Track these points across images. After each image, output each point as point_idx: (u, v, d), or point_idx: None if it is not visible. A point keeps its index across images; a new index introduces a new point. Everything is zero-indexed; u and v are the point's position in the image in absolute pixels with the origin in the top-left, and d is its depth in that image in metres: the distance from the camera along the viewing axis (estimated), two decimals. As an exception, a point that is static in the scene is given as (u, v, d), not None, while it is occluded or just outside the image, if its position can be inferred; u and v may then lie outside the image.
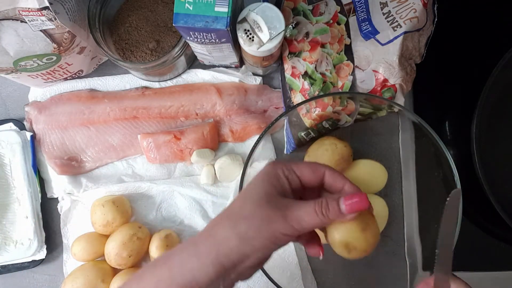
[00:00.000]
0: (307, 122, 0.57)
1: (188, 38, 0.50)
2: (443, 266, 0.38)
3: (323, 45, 0.56)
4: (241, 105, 0.62)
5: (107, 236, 0.58)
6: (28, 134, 0.62)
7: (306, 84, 0.56)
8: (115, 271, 0.59)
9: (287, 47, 0.57)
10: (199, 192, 0.61)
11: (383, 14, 0.56)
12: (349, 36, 0.56)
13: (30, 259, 0.61)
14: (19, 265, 0.61)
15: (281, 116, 0.54)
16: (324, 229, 0.41)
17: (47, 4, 0.44)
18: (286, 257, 0.60)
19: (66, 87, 0.63)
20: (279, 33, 0.49)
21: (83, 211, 0.62)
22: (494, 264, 0.68)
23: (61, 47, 0.52)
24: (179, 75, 0.63)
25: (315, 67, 0.56)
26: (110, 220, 0.58)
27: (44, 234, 0.61)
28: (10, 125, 0.62)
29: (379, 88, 0.56)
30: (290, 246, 0.60)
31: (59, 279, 0.62)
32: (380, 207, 0.59)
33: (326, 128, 0.59)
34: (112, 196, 0.60)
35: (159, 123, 0.62)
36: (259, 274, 0.52)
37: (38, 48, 0.51)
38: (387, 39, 0.56)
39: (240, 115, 0.62)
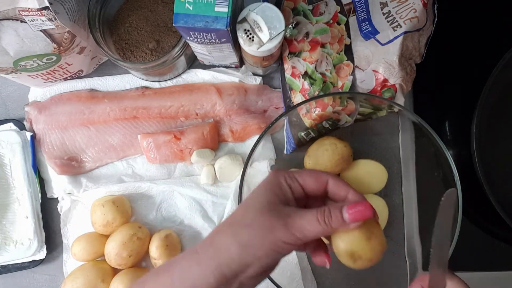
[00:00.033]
0: (307, 122, 0.57)
1: (188, 38, 0.50)
2: (439, 263, 0.37)
3: (323, 45, 0.56)
4: (241, 105, 0.62)
5: (107, 236, 0.58)
6: (28, 134, 0.62)
7: (306, 84, 0.56)
8: (115, 271, 0.59)
9: (287, 47, 0.57)
10: (199, 192, 0.61)
11: (383, 14, 0.56)
12: (349, 36, 0.56)
13: (30, 259, 0.61)
14: (19, 265, 0.61)
15: (281, 116, 0.54)
16: (329, 238, 0.40)
17: (47, 4, 0.44)
18: (286, 257, 0.60)
19: (66, 87, 0.63)
20: (279, 33, 0.49)
21: (83, 211, 0.62)
22: (494, 264, 0.68)
23: (61, 47, 0.52)
24: (179, 75, 0.63)
25: (315, 67, 0.56)
26: (110, 220, 0.58)
27: (44, 234, 0.61)
28: (10, 125, 0.62)
29: (379, 88, 0.56)
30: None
31: (59, 279, 0.62)
32: (380, 207, 0.59)
33: (326, 128, 0.59)
34: (112, 196, 0.60)
35: (159, 123, 0.62)
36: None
37: (38, 48, 0.51)
38: (387, 39, 0.56)
39: (240, 115, 0.62)
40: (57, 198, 0.62)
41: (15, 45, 0.49)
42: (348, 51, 0.56)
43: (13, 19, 0.47)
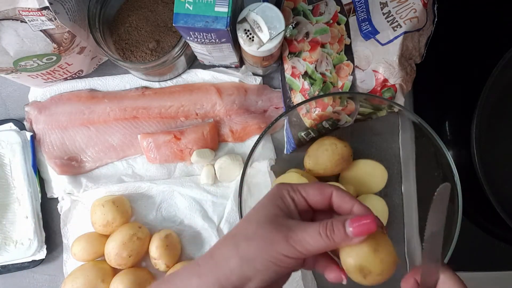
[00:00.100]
0: (307, 122, 0.57)
1: (188, 38, 0.50)
2: (431, 255, 0.36)
3: (323, 45, 0.56)
4: (241, 105, 0.62)
5: (107, 236, 0.58)
6: (28, 134, 0.62)
7: (306, 84, 0.56)
8: (115, 271, 0.59)
9: (287, 47, 0.57)
10: (199, 192, 0.61)
11: (383, 14, 0.56)
12: (349, 36, 0.56)
13: (30, 259, 0.61)
14: (19, 265, 0.61)
15: (281, 116, 0.54)
16: (336, 254, 0.39)
17: (47, 4, 0.44)
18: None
19: (66, 87, 0.63)
20: (279, 33, 0.49)
21: (83, 211, 0.62)
22: (494, 264, 0.68)
23: (61, 47, 0.52)
24: (179, 75, 0.63)
25: (315, 67, 0.56)
26: (110, 220, 0.58)
27: (44, 234, 0.61)
28: (10, 125, 0.62)
29: (379, 88, 0.56)
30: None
31: (59, 279, 0.62)
32: (380, 207, 0.59)
33: (326, 128, 0.59)
34: (112, 196, 0.60)
35: (159, 123, 0.62)
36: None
37: (38, 48, 0.51)
38: (387, 39, 0.56)
39: (240, 115, 0.62)
40: (57, 198, 0.62)
41: (15, 45, 0.49)
42: (348, 51, 0.56)
43: (13, 19, 0.47)
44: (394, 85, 0.56)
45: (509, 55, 0.57)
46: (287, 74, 0.58)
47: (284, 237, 0.34)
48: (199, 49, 0.55)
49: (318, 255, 0.38)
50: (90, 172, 0.63)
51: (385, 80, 0.56)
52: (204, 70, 0.63)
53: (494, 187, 0.57)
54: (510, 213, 0.58)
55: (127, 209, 0.60)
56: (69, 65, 0.58)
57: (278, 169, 0.60)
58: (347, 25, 0.56)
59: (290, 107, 0.57)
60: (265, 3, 0.49)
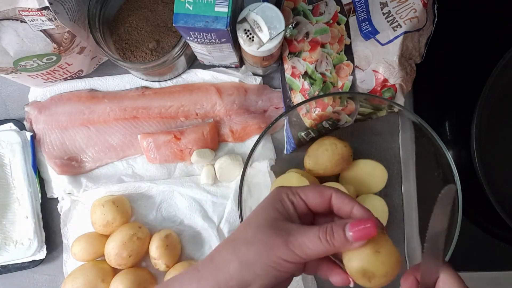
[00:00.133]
0: (307, 122, 0.57)
1: (188, 38, 0.50)
2: (431, 253, 0.35)
3: (323, 45, 0.56)
4: (241, 105, 0.62)
5: (107, 236, 0.58)
6: (28, 134, 0.62)
7: (306, 84, 0.56)
8: (115, 271, 0.59)
9: (287, 47, 0.57)
10: (199, 192, 0.61)
11: (383, 14, 0.56)
12: (349, 36, 0.56)
13: (30, 259, 0.61)
14: (19, 265, 0.61)
15: (281, 116, 0.54)
16: (339, 258, 0.39)
17: (47, 4, 0.44)
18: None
19: (66, 87, 0.63)
20: (279, 33, 0.49)
21: (83, 211, 0.62)
22: (494, 264, 0.68)
23: (61, 47, 0.52)
24: (179, 75, 0.63)
25: (315, 67, 0.56)
26: (110, 220, 0.58)
27: (44, 234, 0.61)
28: (10, 125, 0.62)
29: (379, 88, 0.56)
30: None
31: (59, 279, 0.62)
32: (380, 207, 0.59)
33: (326, 128, 0.59)
34: (112, 196, 0.60)
35: (159, 123, 0.62)
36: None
37: (38, 48, 0.51)
38: (387, 39, 0.56)
39: (240, 115, 0.62)
40: (57, 198, 0.62)
41: (15, 45, 0.49)
42: (348, 51, 0.56)
43: (13, 19, 0.47)
44: (394, 85, 0.56)
45: (509, 55, 0.57)
46: (287, 74, 0.58)
47: (283, 241, 0.34)
48: (199, 49, 0.55)
49: (320, 259, 0.38)
50: (90, 172, 0.63)
51: (385, 80, 0.56)
52: (204, 70, 0.63)
53: (494, 187, 0.57)
54: (510, 213, 0.58)
55: (127, 209, 0.60)
56: (69, 65, 0.58)
57: (278, 169, 0.60)
58: (347, 25, 0.56)
59: (290, 107, 0.57)
60: (265, 3, 0.49)
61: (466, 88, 0.68)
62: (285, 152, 0.62)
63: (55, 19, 0.47)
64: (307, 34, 0.56)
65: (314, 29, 0.56)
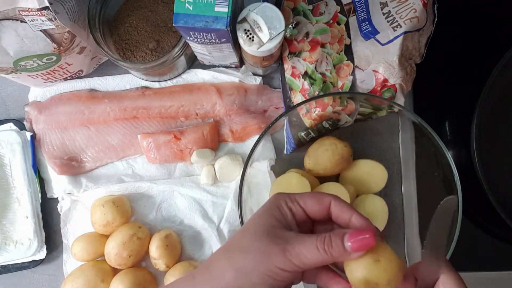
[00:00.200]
0: (307, 122, 0.57)
1: (188, 38, 0.50)
2: (431, 252, 0.34)
3: (323, 45, 0.56)
4: (241, 105, 0.62)
5: (107, 236, 0.58)
6: (28, 134, 0.62)
7: (306, 84, 0.56)
8: (115, 271, 0.59)
9: (287, 47, 0.57)
10: (199, 192, 0.61)
11: (383, 14, 0.56)
12: (349, 36, 0.56)
13: (30, 259, 0.61)
14: (19, 265, 0.61)
15: (281, 116, 0.54)
16: (339, 267, 0.38)
17: (47, 4, 0.44)
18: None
19: (66, 87, 0.63)
20: (279, 33, 0.49)
21: (83, 211, 0.62)
22: (494, 264, 0.68)
23: (61, 47, 0.52)
24: (179, 75, 0.63)
25: (315, 67, 0.56)
26: (110, 220, 0.58)
27: (44, 234, 0.61)
28: (10, 125, 0.62)
29: (379, 88, 0.56)
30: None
31: (59, 279, 0.62)
32: (380, 207, 0.58)
33: (326, 128, 0.59)
34: (112, 196, 0.60)
35: (159, 123, 0.62)
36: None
37: (38, 48, 0.51)
38: (387, 39, 0.56)
39: (240, 115, 0.62)
40: (57, 198, 0.62)
41: (15, 45, 0.49)
42: (348, 51, 0.56)
43: (13, 19, 0.47)
44: (394, 85, 0.56)
45: (509, 55, 0.57)
46: (287, 74, 0.58)
47: (280, 250, 0.33)
48: (199, 49, 0.55)
49: (319, 268, 0.38)
50: (90, 172, 0.63)
51: (385, 80, 0.56)
52: (204, 70, 0.63)
53: (494, 187, 0.57)
54: (510, 213, 0.58)
55: (127, 209, 0.60)
56: (69, 65, 0.58)
57: (278, 169, 0.60)
58: (347, 25, 0.56)
59: (290, 107, 0.57)
60: (265, 3, 0.49)
61: (466, 88, 0.68)
62: (285, 152, 0.62)
63: (55, 19, 0.47)
64: (307, 34, 0.56)
65: (314, 29, 0.56)
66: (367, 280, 0.34)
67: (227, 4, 0.46)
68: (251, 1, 0.51)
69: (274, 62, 0.59)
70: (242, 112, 0.62)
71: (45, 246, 0.61)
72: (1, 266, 0.60)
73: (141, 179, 0.63)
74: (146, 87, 0.63)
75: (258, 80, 0.63)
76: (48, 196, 0.63)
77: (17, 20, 0.47)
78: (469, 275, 0.66)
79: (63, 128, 0.62)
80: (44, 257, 0.61)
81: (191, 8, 0.46)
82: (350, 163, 0.59)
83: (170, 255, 0.58)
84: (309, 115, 0.56)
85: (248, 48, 0.50)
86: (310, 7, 0.57)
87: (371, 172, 0.59)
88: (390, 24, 0.55)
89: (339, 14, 0.56)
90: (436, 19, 0.58)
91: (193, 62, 0.64)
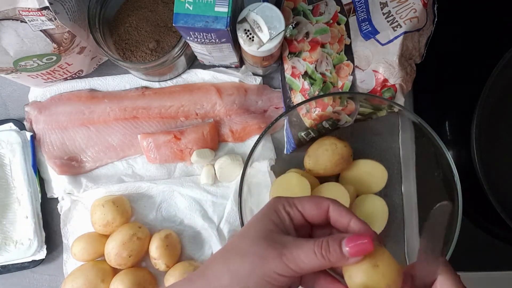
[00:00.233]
0: (307, 122, 0.57)
1: (188, 38, 0.50)
2: (427, 252, 0.34)
3: (323, 45, 0.56)
4: (241, 105, 0.62)
5: (107, 236, 0.58)
6: (28, 134, 0.62)
7: (306, 84, 0.56)
8: (115, 271, 0.59)
9: (287, 47, 0.57)
10: (199, 192, 0.61)
11: (383, 14, 0.56)
12: (349, 36, 0.56)
13: (30, 259, 0.61)
14: (19, 265, 0.61)
15: (281, 116, 0.54)
16: (337, 272, 0.38)
17: (47, 4, 0.44)
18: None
19: (66, 87, 0.63)
20: (279, 33, 0.49)
21: (83, 211, 0.62)
22: (494, 264, 0.68)
23: (61, 47, 0.52)
24: (179, 75, 0.63)
25: (315, 67, 0.56)
26: (110, 220, 0.58)
27: (44, 234, 0.61)
28: (10, 125, 0.62)
29: (379, 88, 0.56)
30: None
31: (59, 279, 0.62)
32: (380, 207, 0.58)
33: (326, 128, 0.59)
34: (112, 196, 0.60)
35: (159, 123, 0.62)
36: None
37: (38, 48, 0.51)
38: (387, 39, 0.56)
39: (240, 115, 0.62)
40: (57, 198, 0.62)
41: (15, 45, 0.49)
42: (348, 51, 0.56)
43: (13, 19, 0.47)
44: (394, 85, 0.56)
45: (509, 55, 0.57)
46: (287, 74, 0.58)
47: (278, 254, 0.33)
48: (199, 49, 0.55)
49: (317, 273, 0.37)
50: (90, 172, 0.63)
51: (385, 80, 0.56)
52: (204, 70, 0.63)
53: (494, 187, 0.57)
54: (510, 213, 0.58)
55: (127, 209, 0.60)
56: (69, 65, 0.58)
57: (278, 169, 0.60)
58: (347, 25, 0.56)
59: (290, 107, 0.57)
60: (265, 3, 0.49)
61: (466, 88, 0.68)
62: (285, 152, 0.62)
63: (55, 19, 0.47)
64: (307, 34, 0.56)
65: (314, 29, 0.56)
66: (366, 286, 0.34)
67: (227, 4, 0.46)
68: (251, 1, 0.51)
69: (274, 62, 0.59)
70: (242, 112, 0.62)
71: (45, 246, 0.61)
72: (1, 266, 0.60)
73: (141, 179, 0.63)
74: (146, 87, 0.63)
75: (258, 80, 0.63)
76: (48, 196, 0.63)
77: (17, 20, 0.47)
78: (469, 275, 0.66)
79: (63, 128, 0.62)
80: (44, 257, 0.61)
81: (191, 8, 0.46)
82: (350, 163, 0.59)
83: (170, 255, 0.58)
84: (309, 115, 0.56)
85: (248, 48, 0.50)
86: (310, 7, 0.57)
87: (371, 172, 0.59)
88: (390, 24, 0.55)
89: (339, 14, 0.56)
90: (436, 19, 0.58)
91: (193, 62, 0.64)
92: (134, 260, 0.57)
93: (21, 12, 0.45)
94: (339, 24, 0.56)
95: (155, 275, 0.60)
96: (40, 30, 0.48)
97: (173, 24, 0.46)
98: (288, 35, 0.56)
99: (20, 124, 0.62)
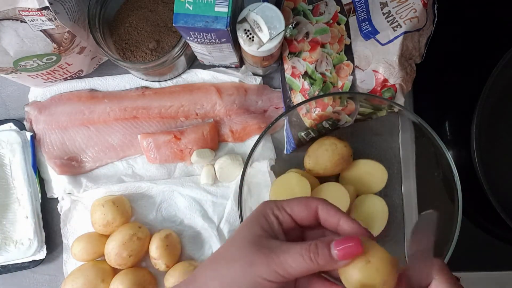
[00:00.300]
0: (307, 122, 0.57)
1: (188, 38, 0.50)
2: (416, 257, 0.33)
3: (323, 45, 0.56)
4: (241, 105, 0.62)
5: (107, 236, 0.58)
6: (28, 134, 0.62)
7: (306, 84, 0.56)
8: (115, 271, 0.59)
9: (287, 47, 0.57)
10: (199, 192, 0.61)
11: (383, 14, 0.56)
12: (349, 36, 0.56)
13: (30, 259, 0.61)
14: (19, 265, 0.61)
15: (281, 116, 0.54)
16: (332, 275, 0.37)
17: (47, 4, 0.44)
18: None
19: (66, 87, 0.63)
20: (279, 33, 0.49)
21: (83, 211, 0.62)
22: (494, 264, 0.68)
23: (61, 47, 0.52)
24: (179, 75, 0.63)
25: (315, 67, 0.56)
26: (110, 220, 0.58)
27: (44, 234, 0.61)
28: (10, 125, 0.62)
29: (379, 88, 0.56)
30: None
31: (59, 279, 0.62)
32: (380, 207, 0.59)
33: (326, 128, 0.59)
34: (112, 196, 0.60)
35: (159, 123, 0.62)
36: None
37: (38, 48, 0.51)
38: (387, 39, 0.56)
39: (240, 115, 0.62)
40: (57, 198, 0.62)
41: (15, 45, 0.49)
42: (348, 51, 0.56)
43: (13, 19, 0.47)
44: (394, 85, 0.56)
45: (509, 55, 0.57)
46: (287, 74, 0.58)
47: (265, 259, 0.32)
48: (199, 49, 0.55)
49: (311, 277, 0.36)
50: (90, 172, 0.63)
51: (385, 80, 0.56)
52: (204, 70, 0.63)
53: (494, 187, 0.57)
54: (510, 213, 0.58)
55: (127, 209, 0.60)
56: (69, 65, 0.58)
57: (278, 169, 0.60)
58: (347, 25, 0.56)
59: (290, 107, 0.57)
60: (265, 3, 0.49)
61: (466, 88, 0.68)
62: (285, 152, 0.62)
63: (55, 19, 0.47)
64: (307, 34, 0.56)
65: (314, 29, 0.56)
66: (362, 283, 0.33)
67: (227, 4, 0.46)
68: (251, 1, 0.51)
69: (274, 62, 0.59)
70: (242, 112, 0.62)
71: (45, 246, 0.61)
72: (1, 266, 0.60)
73: (141, 179, 0.63)
74: (146, 87, 0.63)
75: (258, 80, 0.63)
76: (48, 196, 0.63)
77: (17, 20, 0.47)
78: (469, 275, 0.66)
79: (63, 128, 0.62)
80: (44, 257, 0.61)
81: (191, 8, 0.46)
82: (350, 163, 0.59)
83: (170, 255, 0.58)
84: (309, 115, 0.56)
85: (248, 48, 0.50)
86: (310, 7, 0.57)
87: (371, 172, 0.59)
88: (390, 24, 0.55)
89: (339, 14, 0.56)
90: (436, 19, 0.58)
91: (193, 62, 0.64)
92: (134, 260, 0.57)
93: (21, 12, 0.45)
94: (339, 24, 0.56)
95: (155, 275, 0.60)
96: (40, 30, 0.48)
97: (173, 24, 0.46)
98: (288, 35, 0.56)
99: (20, 124, 0.62)
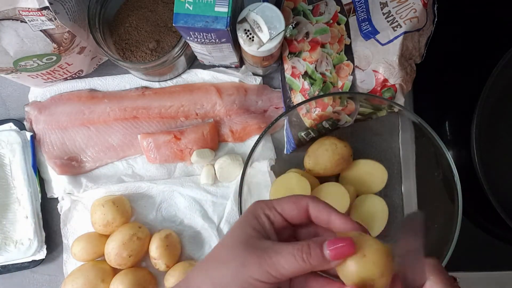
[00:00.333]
0: (307, 122, 0.57)
1: (188, 38, 0.50)
2: (404, 260, 0.33)
3: (323, 45, 0.56)
4: (241, 105, 0.62)
5: (107, 236, 0.58)
6: (28, 134, 0.62)
7: (306, 84, 0.56)
8: (115, 271, 0.59)
9: (287, 47, 0.57)
10: (199, 192, 0.61)
11: (383, 14, 0.56)
12: (349, 36, 0.56)
13: (30, 259, 0.61)
14: (19, 265, 0.61)
15: (281, 116, 0.54)
16: (329, 273, 0.37)
17: (47, 4, 0.44)
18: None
19: (66, 87, 0.63)
20: (279, 33, 0.49)
21: (83, 211, 0.62)
22: (494, 264, 0.68)
23: (61, 47, 0.52)
24: (179, 75, 0.63)
25: (315, 67, 0.56)
26: (110, 220, 0.58)
27: (44, 234, 0.61)
28: (10, 125, 0.62)
29: (379, 88, 0.56)
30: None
31: (59, 279, 0.62)
32: (380, 207, 0.59)
33: (326, 128, 0.59)
34: (112, 196, 0.60)
35: (159, 123, 0.62)
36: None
37: (38, 48, 0.51)
38: (387, 39, 0.56)
39: (240, 115, 0.62)
40: (57, 198, 0.62)
41: (15, 45, 0.49)
42: (348, 51, 0.56)
43: (13, 19, 0.47)
44: (394, 85, 0.56)
45: (509, 55, 0.57)
46: (287, 74, 0.58)
47: (256, 260, 0.32)
48: (199, 49, 0.55)
49: (308, 276, 0.36)
50: (90, 172, 0.63)
51: (385, 80, 0.56)
52: (204, 70, 0.63)
53: (494, 187, 0.57)
54: (510, 213, 0.58)
55: (127, 209, 0.60)
56: (69, 65, 0.58)
57: (278, 169, 0.60)
58: (347, 25, 0.56)
59: (290, 107, 0.57)
60: (265, 3, 0.49)
61: (466, 88, 0.68)
62: (285, 152, 0.62)
63: (55, 19, 0.47)
64: (307, 34, 0.56)
65: (314, 29, 0.56)
66: (362, 279, 0.33)
67: (227, 4, 0.46)
68: (251, 1, 0.51)
69: (274, 62, 0.59)
70: (242, 112, 0.62)
71: (45, 246, 0.61)
72: (1, 266, 0.60)
73: (141, 179, 0.63)
74: (146, 87, 0.63)
75: (258, 80, 0.63)
76: (48, 196, 0.63)
77: (17, 20, 0.47)
78: (469, 275, 0.66)
79: (63, 128, 0.62)
80: (44, 257, 0.61)
81: (191, 8, 0.46)
82: (350, 163, 0.59)
83: (170, 255, 0.58)
84: (309, 115, 0.56)
85: (248, 48, 0.50)
86: (310, 7, 0.57)
87: (371, 172, 0.59)
88: (390, 24, 0.55)
89: (339, 14, 0.56)
90: (436, 19, 0.58)
91: (193, 62, 0.64)
92: (134, 260, 0.57)
93: (21, 12, 0.45)
94: (339, 24, 0.56)
95: (155, 275, 0.60)
96: (40, 30, 0.48)
97: (173, 24, 0.46)
98: (288, 35, 0.56)
99: (20, 124, 0.62)
